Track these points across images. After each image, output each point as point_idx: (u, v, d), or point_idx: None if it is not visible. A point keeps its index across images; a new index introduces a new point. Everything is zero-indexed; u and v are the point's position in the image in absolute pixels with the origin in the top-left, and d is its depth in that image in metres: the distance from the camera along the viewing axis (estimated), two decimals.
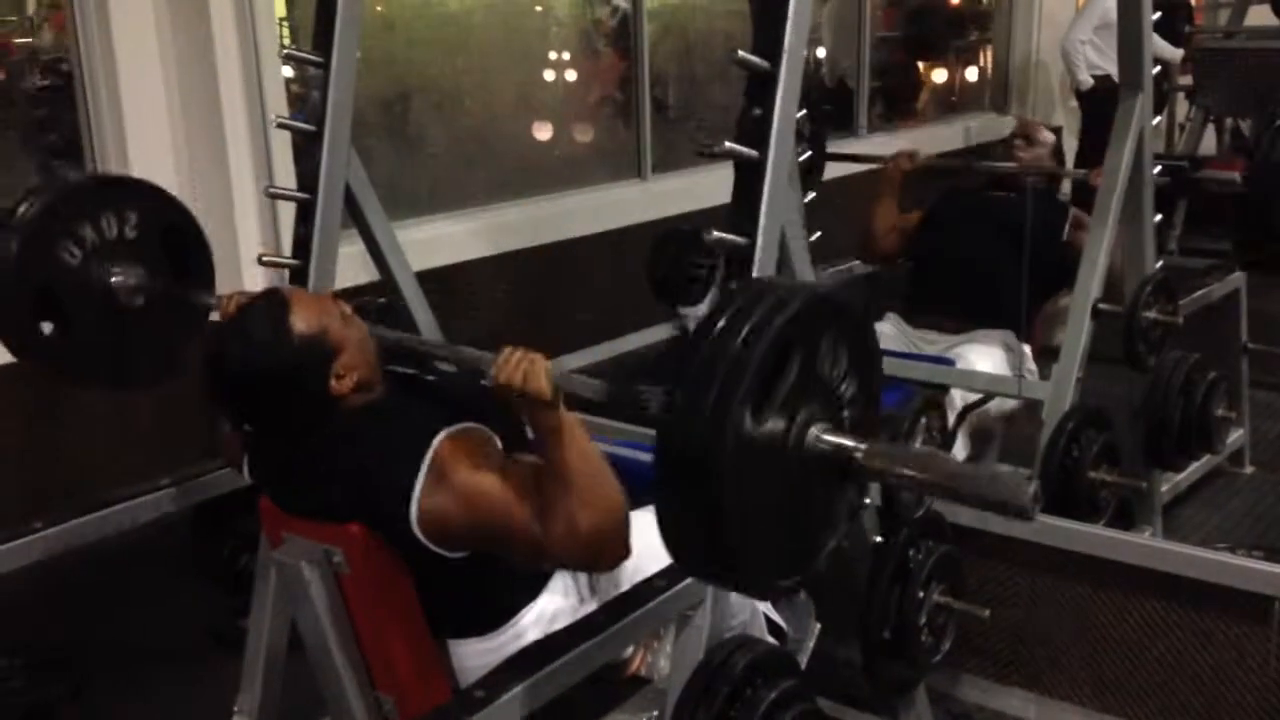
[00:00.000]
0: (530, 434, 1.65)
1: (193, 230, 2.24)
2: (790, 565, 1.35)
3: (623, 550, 1.64)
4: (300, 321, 1.69)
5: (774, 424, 1.22)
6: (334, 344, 1.70)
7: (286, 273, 2.26)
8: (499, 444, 1.74)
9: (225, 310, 2.01)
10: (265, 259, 2.35)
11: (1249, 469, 3.69)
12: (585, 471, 1.58)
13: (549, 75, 4.30)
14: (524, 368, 1.55)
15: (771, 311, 1.20)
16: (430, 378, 2.07)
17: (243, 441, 1.92)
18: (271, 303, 1.73)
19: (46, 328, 2.07)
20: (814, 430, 1.25)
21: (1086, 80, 5.55)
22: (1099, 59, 5.42)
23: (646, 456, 2.60)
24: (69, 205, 2.07)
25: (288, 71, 3.10)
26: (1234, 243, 3.34)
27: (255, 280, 2.67)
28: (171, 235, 2.20)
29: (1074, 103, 5.90)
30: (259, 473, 1.90)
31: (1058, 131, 4.01)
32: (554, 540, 1.58)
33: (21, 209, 2.02)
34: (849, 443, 1.26)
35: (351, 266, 2.56)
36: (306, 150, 2.26)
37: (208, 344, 1.79)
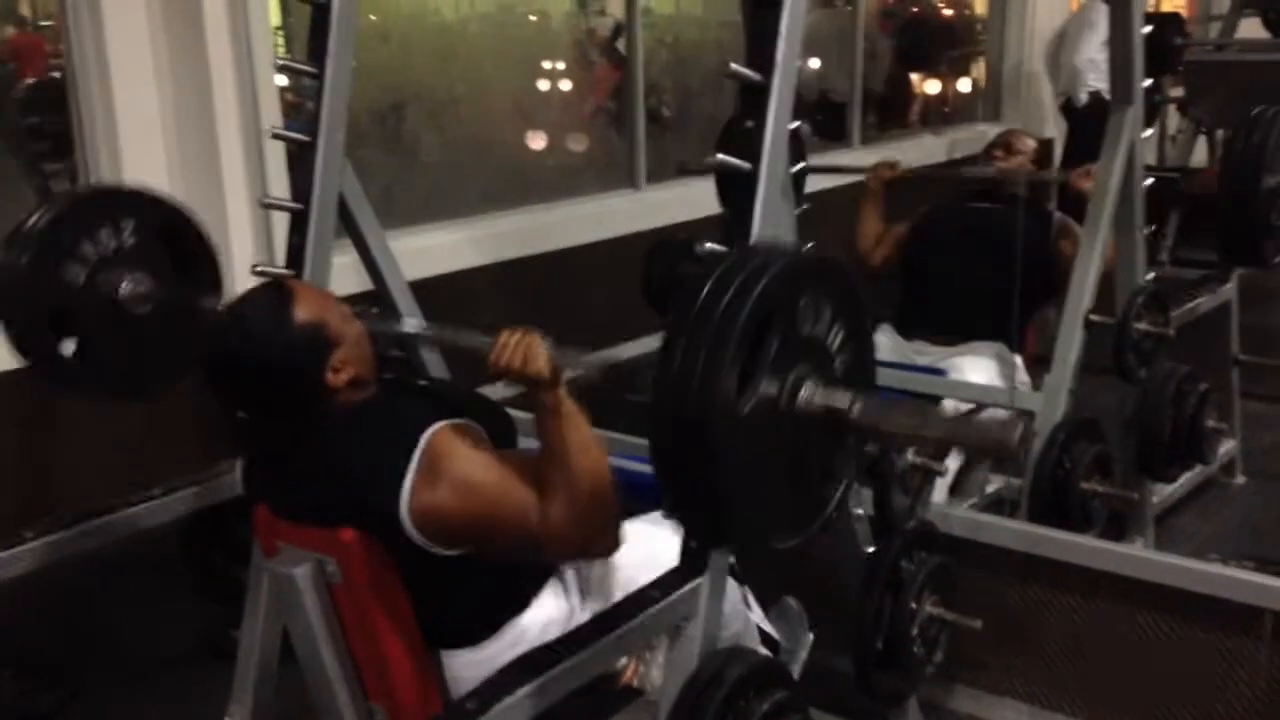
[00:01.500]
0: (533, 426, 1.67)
1: (194, 233, 2.24)
2: (797, 521, 1.37)
3: (614, 539, 1.68)
4: (302, 310, 1.72)
5: (764, 391, 1.25)
6: (333, 336, 1.72)
7: None
8: (489, 441, 1.74)
9: None
10: (259, 269, 2.35)
11: (1240, 480, 3.70)
12: (583, 454, 1.61)
13: (543, 85, 4.31)
14: (522, 350, 1.59)
15: (746, 285, 1.23)
16: (422, 382, 2.07)
17: (236, 437, 1.93)
18: (275, 290, 1.77)
19: (68, 348, 2.08)
20: (805, 391, 1.29)
21: (1082, 98, 5.58)
22: (1096, 79, 5.44)
23: (642, 467, 2.60)
24: (70, 223, 2.07)
25: (282, 80, 3.10)
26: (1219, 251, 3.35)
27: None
28: (173, 240, 2.19)
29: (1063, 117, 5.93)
30: (252, 473, 1.90)
31: (1049, 143, 4.03)
32: (549, 525, 1.61)
33: (22, 231, 2.02)
34: (840, 404, 1.29)
35: (345, 276, 2.56)
36: (300, 160, 2.26)
37: (212, 328, 1.82)
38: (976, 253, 3.24)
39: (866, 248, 3.56)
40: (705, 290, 1.26)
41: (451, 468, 1.64)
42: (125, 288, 2.10)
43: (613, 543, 1.68)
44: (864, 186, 3.68)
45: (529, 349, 1.59)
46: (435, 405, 1.76)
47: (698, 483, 1.24)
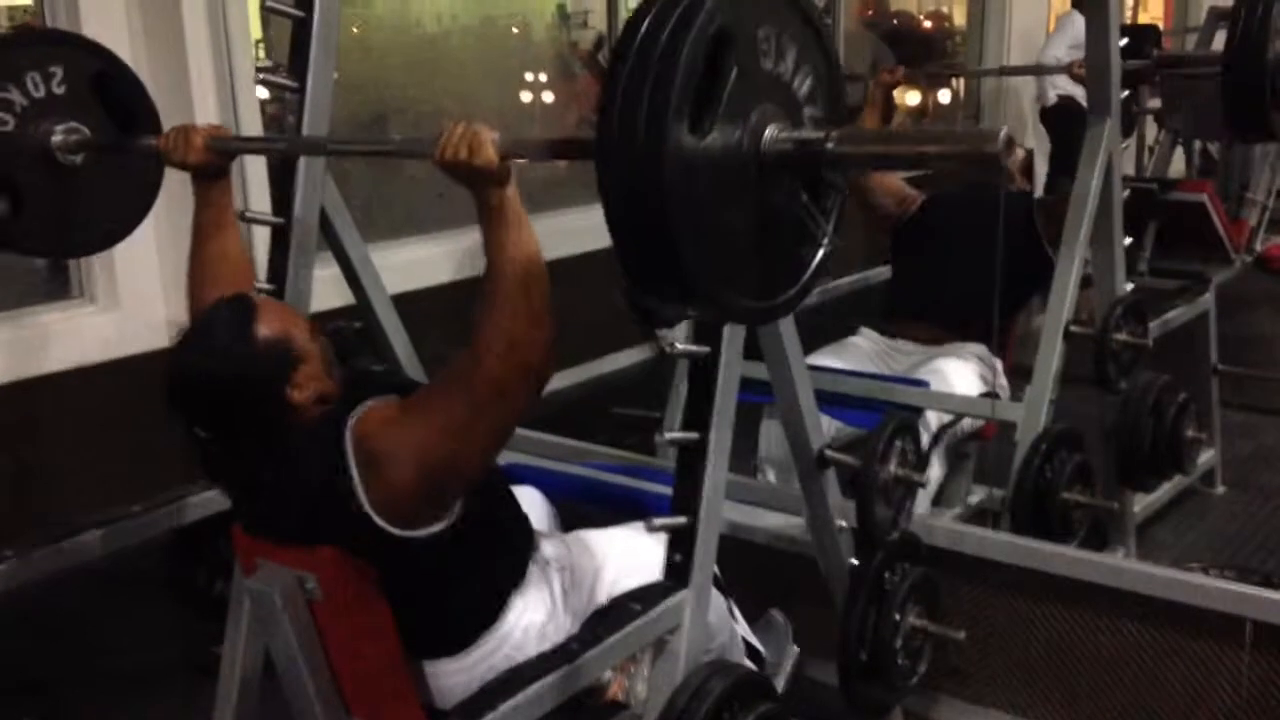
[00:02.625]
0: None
1: (126, 77, 2.15)
2: (771, 283, 1.28)
3: (547, 355, 1.56)
4: (265, 327, 1.68)
5: (721, 132, 1.14)
6: (297, 353, 1.69)
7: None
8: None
9: (169, 144, 1.94)
10: None
11: (1220, 489, 3.72)
12: (524, 258, 1.53)
13: (526, 97, 4.32)
14: (468, 140, 1.49)
15: (692, 7, 1.10)
16: (377, 368, 2.03)
17: (199, 456, 1.88)
18: (238, 306, 1.72)
19: (1, 206, 1.99)
20: (771, 131, 1.17)
21: (1050, 97, 5.66)
22: (1065, 82, 5.50)
23: (624, 479, 2.61)
24: None
25: (263, 93, 3.10)
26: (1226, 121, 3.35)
27: None
28: (105, 85, 2.10)
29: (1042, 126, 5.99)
30: (224, 491, 1.88)
31: (1028, 154, 4.07)
32: (485, 358, 1.53)
33: None
34: (812, 134, 1.19)
35: (327, 290, 2.55)
36: (281, 174, 2.25)
37: (174, 346, 1.76)
38: (965, 245, 3.24)
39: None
40: (650, 13, 1.11)
41: (379, 445, 1.61)
42: (57, 136, 2.01)
43: (545, 358, 1.56)
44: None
45: (475, 138, 1.48)
46: (356, 399, 1.71)
47: (655, 236, 1.12)
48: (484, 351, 1.54)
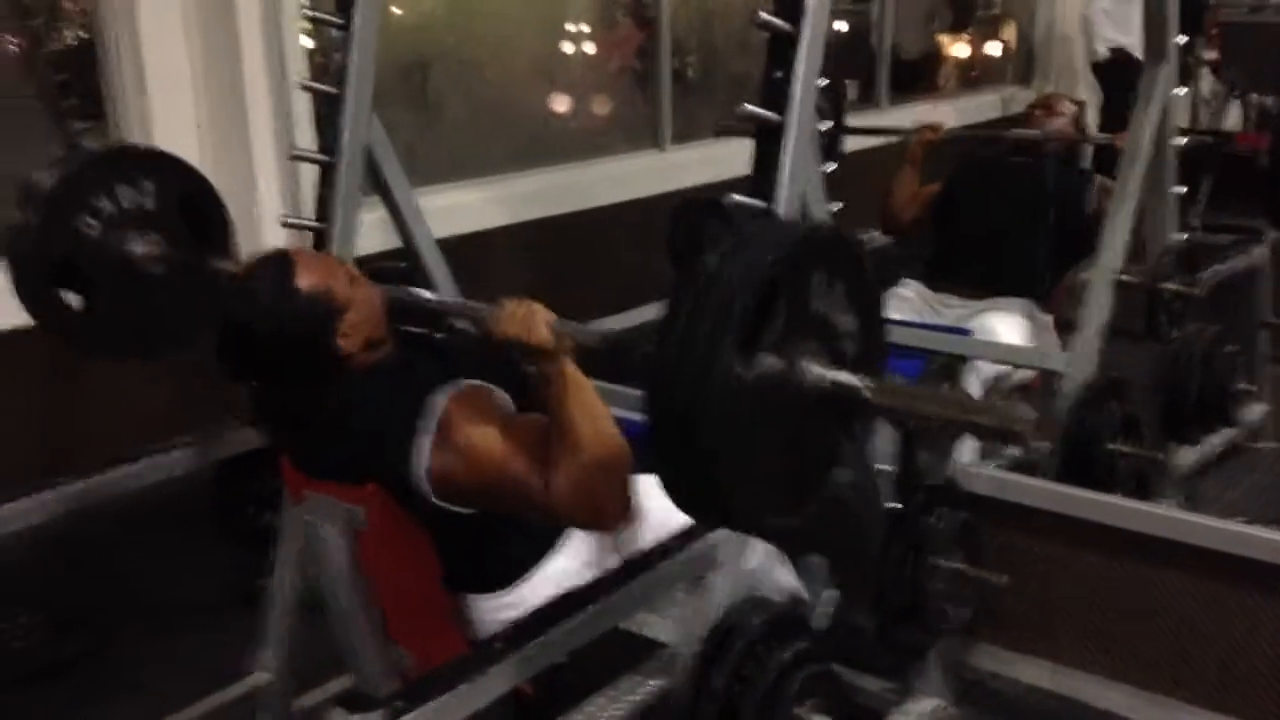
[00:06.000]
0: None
1: (210, 198, 2.24)
2: (792, 502, 1.33)
3: (624, 507, 1.66)
4: (305, 279, 1.73)
5: (767, 366, 1.20)
6: (340, 302, 1.74)
7: (310, 236, 2.26)
8: (506, 400, 1.75)
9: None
10: (287, 221, 2.36)
11: (1270, 444, 3.66)
12: (588, 425, 1.59)
13: (567, 46, 4.29)
14: (524, 319, 1.57)
15: (756, 252, 1.19)
16: (439, 335, 2.08)
17: (251, 403, 1.94)
18: (277, 261, 1.77)
19: (71, 300, 2.08)
20: (813, 369, 1.24)
21: (1100, 51, 5.53)
22: (1113, 31, 5.38)
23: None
24: (86, 177, 2.07)
25: (309, 43, 3.10)
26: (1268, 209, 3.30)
27: (277, 242, 2.67)
28: (189, 203, 2.20)
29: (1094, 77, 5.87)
30: (272, 432, 1.92)
31: (1081, 105, 3.99)
32: (556, 495, 1.60)
33: (39, 181, 2.01)
34: (851, 380, 1.25)
35: (373, 232, 2.56)
36: (328, 113, 2.26)
37: (220, 304, 1.82)
38: (1011, 206, 3.21)
39: (899, 207, 3.56)
40: (715, 256, 1.21)
41: (463, 437, 1.65)
42: (139, 246, 2.10)
43: (620, 511, 1.67)
44: (895, 148, 3.66)
45: (530, 318, 1.57)
46: (451, 364, 1.76)
47: (696, 455, 1.19)
48: (561, 489, 1.59)
